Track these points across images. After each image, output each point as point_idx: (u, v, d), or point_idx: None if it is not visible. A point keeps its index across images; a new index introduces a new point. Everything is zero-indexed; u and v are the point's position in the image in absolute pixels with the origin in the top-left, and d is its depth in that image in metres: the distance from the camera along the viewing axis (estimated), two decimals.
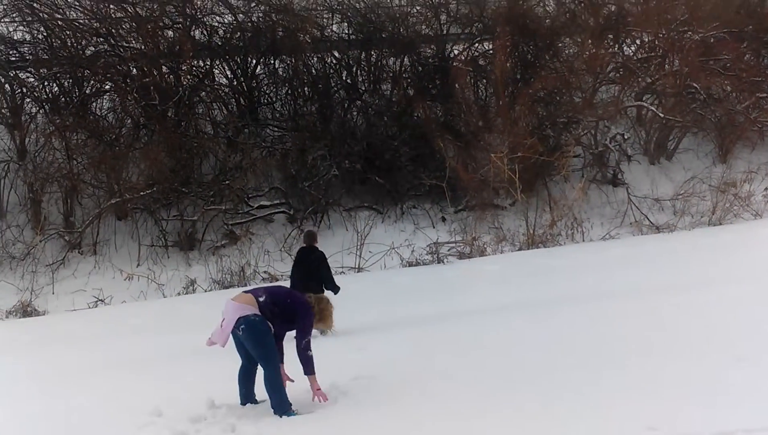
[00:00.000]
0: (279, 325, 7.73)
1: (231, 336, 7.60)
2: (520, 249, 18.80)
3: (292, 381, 7.76)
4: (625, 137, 22.37)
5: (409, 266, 17.71)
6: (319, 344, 10.97)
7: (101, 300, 17.08)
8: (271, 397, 7.64)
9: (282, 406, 7.59)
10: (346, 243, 18.90)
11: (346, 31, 23.42)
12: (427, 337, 10.26)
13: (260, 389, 7.72)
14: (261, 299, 7.64)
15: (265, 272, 17.89)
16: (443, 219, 20.78)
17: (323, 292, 12.00)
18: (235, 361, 7.88)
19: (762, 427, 5.83)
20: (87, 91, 21.32)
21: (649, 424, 6.12)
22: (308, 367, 7.65)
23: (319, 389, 7.70)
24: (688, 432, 5.88)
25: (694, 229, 19.31)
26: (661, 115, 21.86)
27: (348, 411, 7.51)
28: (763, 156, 22.55)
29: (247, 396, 7.95)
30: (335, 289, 12.04)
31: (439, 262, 18.09)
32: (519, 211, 20.19)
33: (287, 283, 12.65)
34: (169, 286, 17.74)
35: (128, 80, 21.09)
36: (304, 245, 12.88)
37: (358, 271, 18.04)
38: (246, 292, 7.87)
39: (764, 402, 6.46)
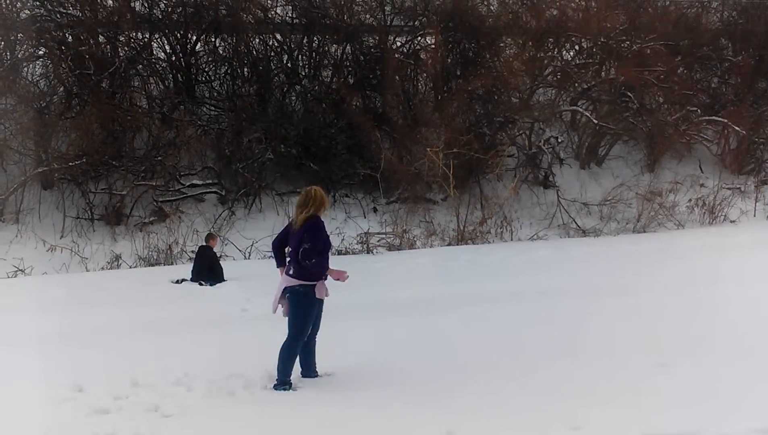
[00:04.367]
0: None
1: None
2: (449, 244, 18.97)
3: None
4: (559, 140, 22.74)
5: (339, 255, 17.67)
6: (241, 324, 10.97)
7: (21, 270, 16.67)
8: (278, 364, 7.70)
9: (280, 376, 7.67)
10: (277, 227, 18.66)
11: (290, 15, 23.19)
12: (354, 328, 10.28)
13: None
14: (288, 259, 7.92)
15: (192, 252, 17.60)
16: (375, 209, 20.83)
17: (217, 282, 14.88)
18: (159, 340, 7.79)
19: (679, 431, 6.00)
20: (19, 56, 20.73)
21: (573, 425, 6.24)
22: (316, 271, 7.85)
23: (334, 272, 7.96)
24: (611, 433, 6.02)
25: (619, 235, 19.74)
26: (595, 122, 22.28)
27: (267, 398, 7.53)
28: (689, 168, 23.16)
29: (304, 365, 8.03)
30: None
31: (368, 253, 18.15)
32: (450, 206, 20.34)
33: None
34: (93, 260, 17.40)
35: (63, 47, 20.61)
36: (203, 244, 15.84)
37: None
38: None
39: (682, 406, 6.65)
